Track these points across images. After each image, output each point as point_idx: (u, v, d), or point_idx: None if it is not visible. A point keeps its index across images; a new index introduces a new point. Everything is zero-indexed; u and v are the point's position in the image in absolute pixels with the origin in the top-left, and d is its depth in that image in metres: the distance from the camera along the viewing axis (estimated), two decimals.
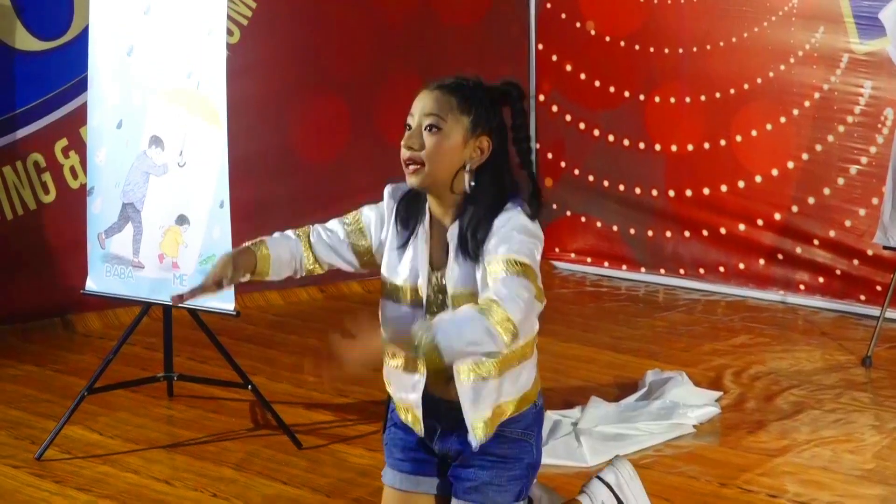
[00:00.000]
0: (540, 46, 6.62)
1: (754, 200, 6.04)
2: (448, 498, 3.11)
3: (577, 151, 6.60)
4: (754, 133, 6.01)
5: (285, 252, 3.17)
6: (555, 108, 6.62)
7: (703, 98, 6.12)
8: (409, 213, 3.05)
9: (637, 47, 6.30)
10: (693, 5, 6.10)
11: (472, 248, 2.91)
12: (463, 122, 2.95)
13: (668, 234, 6.37)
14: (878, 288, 5.69)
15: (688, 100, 6.19)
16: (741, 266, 6.16)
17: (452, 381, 2.97)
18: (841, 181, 5.77)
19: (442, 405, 3.02)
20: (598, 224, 6.61)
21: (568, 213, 6.67)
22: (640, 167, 6.40)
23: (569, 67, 6.55)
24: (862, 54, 5.64)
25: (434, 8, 6.34)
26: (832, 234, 5.84)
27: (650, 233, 6.45)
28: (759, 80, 5.95)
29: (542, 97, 6.65)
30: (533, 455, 3.07)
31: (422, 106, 2.97)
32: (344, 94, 6.15)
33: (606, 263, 6.61)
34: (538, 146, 6.67)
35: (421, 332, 2.70)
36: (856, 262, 5.78)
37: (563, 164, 6.65)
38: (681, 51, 6.16)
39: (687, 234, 6.32)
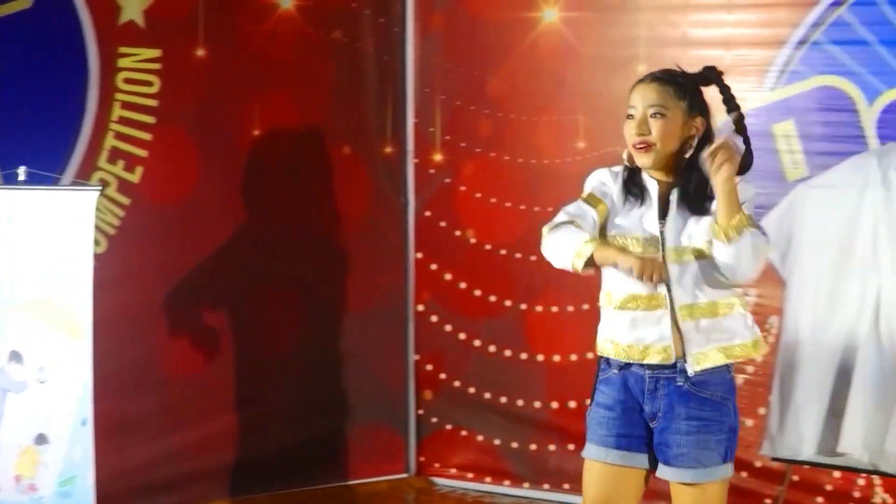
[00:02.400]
0: (419, 255, 6.65)
1: None
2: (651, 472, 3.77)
3: (458, 362, 6.57)
4: None
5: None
6: (434, 318, 6.62)
7: (585, 307, 6.13)
8: (633, 183, 3.75)
9: (518, 256, 6.35)
10: None
11: (696, 204, 3.66)
12: (681, 107, 3.69)
13: (552, 447, 6.33)
14: (768, 501, 5.69)
15: (570, 308, 6.22)
16: None
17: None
18: None
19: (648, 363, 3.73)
20: (480, 438, 6.55)
21: (448, 426, 6.60)
22: (522, 378, 6.38)
23: (448, 276, 6.57)
24: None
25: (308, 219, 6.35)
26: None
27: (533, 446, 6.40)
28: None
29: (420, 307, 6.64)
30: (732, 419, 3.77)
31: (644, 97, 3.69)
32: (216, 306, 6.09)
33: (488, 479, 6.53)
34: (417, 357, 6.65)
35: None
36: (744, 474, 5.77)
37: (442, 376, 6.61)
38: None
39: (571, 446, 6.23)
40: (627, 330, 3.78)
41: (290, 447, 6.28)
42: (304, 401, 6.34)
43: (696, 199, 3.68)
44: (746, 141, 3.77)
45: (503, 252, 6.41)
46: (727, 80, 3.80)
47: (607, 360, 3.86)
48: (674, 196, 3.72)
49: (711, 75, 3.77)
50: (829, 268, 5.07)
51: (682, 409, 3.71)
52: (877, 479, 5.44)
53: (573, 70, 6.24)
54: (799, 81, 5.65)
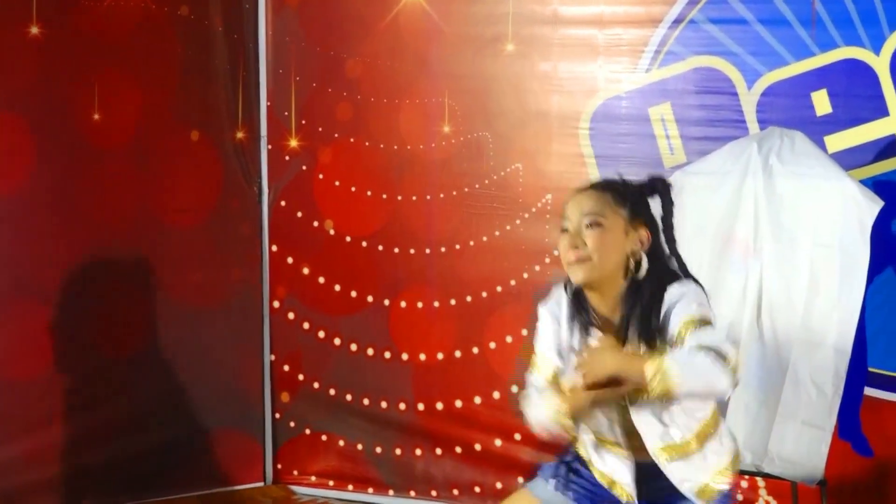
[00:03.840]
0: (274, 248, 6.51)
1: (511, 413, 5.96)
2: None
3: (317, 363, 6.45)
4: (509, 339, 5.97)
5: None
6: (291, 316, 6.49)
7: (452, 302, 6.09)
8: (576, 313, 3.46)
9: (380, 248, 6.26)
10: (440, 203, 6.10)
11: (648, 333, 3.31)
12: (621, 214, 3.40)
13: (418, 451, 6.28)
14: None
15: (436, 304, 6.15)
16: (498, 485, 6.06)
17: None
18: None
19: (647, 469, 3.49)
20: (341, 443, 6.45)
21: (307, 431, 6.49)
22: (386, 379, 6.30)
23: (306, 270, 6.46)
24: None
25: (155, 209, 6.17)
26: None
27: (398, 451, 6.32)
28: (512, 282, 5.94)
29: (276, 304, 6.51)
30: None
31: (579, 207, 3.41)
32: (53, 304, 5.88)
33: (351, 486, 6.44)
34: (273, 357, 6.52)
35: (653, 370, 3.08)
36: None
37: (300, 377, 6.49)
38: (428, 251, 6.14)
39: (438, 451, 6.20)
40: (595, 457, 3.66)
41: (136, 456, 6.11)
42: (151, 405, 6.19)
43: (647, 325, 3.37)
44: (681, 263, 3.52)
45: (364, 244, 6.31)
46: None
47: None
48: (632, 327, 3.41)
49: (657, 185, 3.52)
50: (709, 258, 5.04)
51: None
52: (761, 481, 5.46)
53: (437, 49, 6.15)
54: (676, 62, 5.61)
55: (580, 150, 5.77)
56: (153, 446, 6.19)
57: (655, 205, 3.51)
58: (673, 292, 3.35)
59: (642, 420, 3.41)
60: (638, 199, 3.46)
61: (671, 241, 3.49)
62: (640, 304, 3.36)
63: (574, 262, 3.38)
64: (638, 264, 3.40)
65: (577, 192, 3.47)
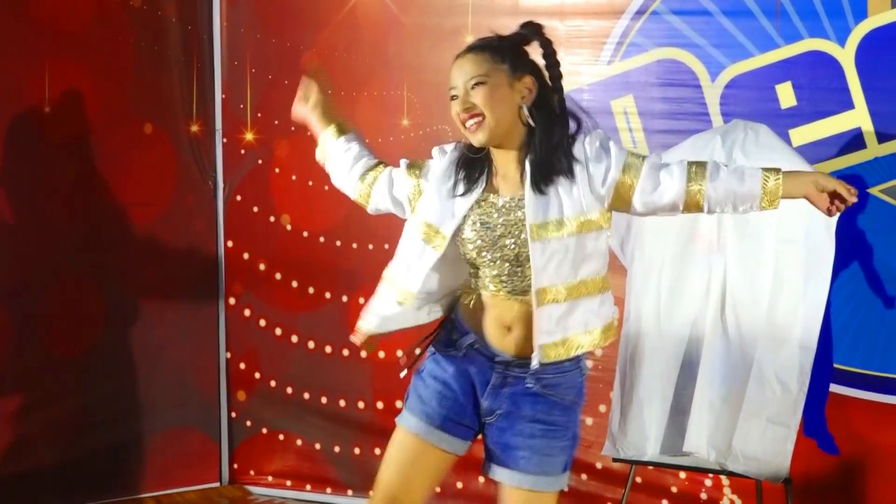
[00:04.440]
0: (229, 243, 6.47)
1: None
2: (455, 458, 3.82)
3: (274, 360, 6.42)
4: None
5: (353, 162, 3.97)
6: (247, 312, 6.45)
7: None
8: (471, 168, 3.63)
9: (338, 243, 6.23)
10: None
11: (546, 178, 3.50)
12: (502, 69, 3.55)
13: (378, 451, 6.24)
14: None
15: None
16: (458, 485, 6.04)
17: (512, 333, 3.63)
18: None
19: (500, 359, 3.66)
20: (299, 442, 6.41)
21: (264, 430, 6.45)
22: (344, 376, 6.26)
23: (262, 266, 6.42)
24: None
25: (107, 204, 6.10)
26: None
27: (357, 450, 6.29)
28: None
29: (232, 300, 6.47)
30: (577, 427, 3.70)
31: (461, 72, 3.56)
32: (6, 301, 5.84)
33: (308, 486, 6.41)
34: (229, 355, 6.48)
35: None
36: (584, 476, 5.73)
37: (257, 375, 6.46)
38: (387, 247, 6.10)
39: None
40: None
41: (89, 456, 6.05)
42: (104, 404, 6.13)
43: (545, 171, 3.54)
44: (561, 101, 3.66)
45: (322, 239, 6.28)
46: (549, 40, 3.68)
47: (452, 336, 3.82)
48: (524, 169, 3.58)
49: (528, 32, 3.63)
50: (672, 253, 5.03)
51: (529, 410, 3.64)
52: (725, 480, 5.45)
53: (395, 41, 6.11)
54: (638, 54, 5.59)
55: None
56: (107, 446, 6.13)
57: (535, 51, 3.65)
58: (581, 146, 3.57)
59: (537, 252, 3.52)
60: (516, 51, 3.59)
61: (557, 77, 3.62)
62: (535, 151, 3.55)
63: (471, 126, 3.53)
64: (531, 112, 3.56)
65: (457, 59, 3.59)
